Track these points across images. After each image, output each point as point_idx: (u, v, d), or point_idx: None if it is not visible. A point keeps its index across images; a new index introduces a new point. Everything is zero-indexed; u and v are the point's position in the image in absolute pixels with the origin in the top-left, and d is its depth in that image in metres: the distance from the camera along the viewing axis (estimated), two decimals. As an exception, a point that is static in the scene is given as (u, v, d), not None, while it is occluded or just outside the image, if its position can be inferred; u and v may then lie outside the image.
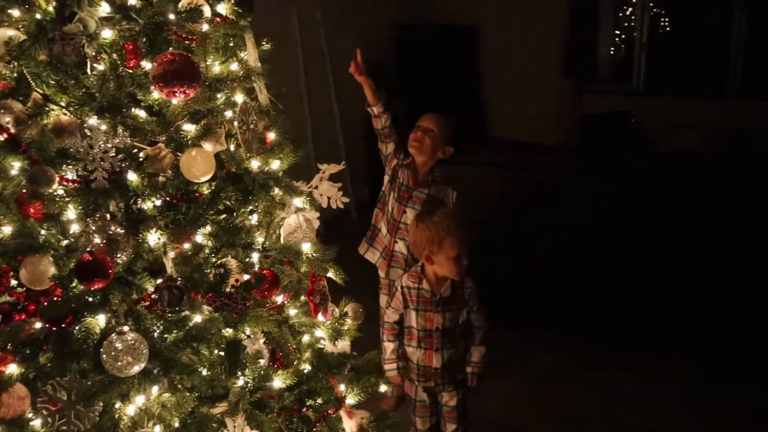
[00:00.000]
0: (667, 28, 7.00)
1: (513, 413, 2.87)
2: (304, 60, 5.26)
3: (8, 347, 1.52)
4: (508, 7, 6.77)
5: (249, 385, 1.60)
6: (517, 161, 3.79)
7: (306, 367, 1.84)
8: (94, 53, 1.50)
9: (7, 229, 1.56)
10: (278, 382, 1.64)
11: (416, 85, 6.16)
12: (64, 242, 1.54)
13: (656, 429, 2.78)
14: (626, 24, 7.02)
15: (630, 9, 6.93)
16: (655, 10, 6.89)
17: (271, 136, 1.79)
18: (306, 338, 1.87)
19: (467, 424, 2.40)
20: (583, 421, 2.82)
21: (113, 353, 1.44)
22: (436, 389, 2.32)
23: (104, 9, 1.49)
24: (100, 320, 1.44)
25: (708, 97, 6.22)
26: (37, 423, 1.57)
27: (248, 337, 1.59)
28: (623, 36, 7.09)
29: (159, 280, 1.48)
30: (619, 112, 6.45)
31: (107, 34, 1.46)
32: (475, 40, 6.95)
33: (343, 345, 2.07)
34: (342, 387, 1.86)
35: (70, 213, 1.51)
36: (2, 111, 1.50)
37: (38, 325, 1.52)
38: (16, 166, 1.54)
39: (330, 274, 1.92)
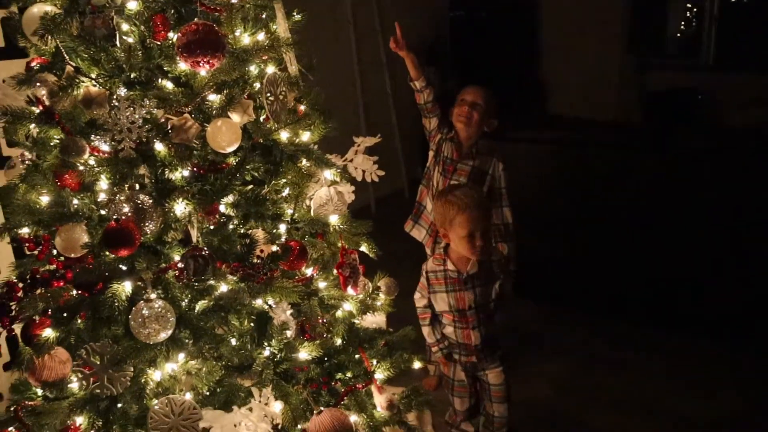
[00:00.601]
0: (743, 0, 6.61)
1: (559, 397, 2.80)
2: (357, 38, 5.24)
3: (48, 312, 1.59)
4: (568, -21, 6.54)
5: (275, 356, 1.61)
6: (571, 139, 3.67)
7: (337, 341, 1.85)
8: (124, 26, 1.53)
9: (45, 199, 1.62)
10: (304, 353, 1.64)
11: (473, 62, 6.04)
12: (101, 212, 1.58)
13: (708, 417, 2.67)
14: (698, -4, 6.68)
15: (704, -20, 6.58)
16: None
17: (303, 107, 1.78)
18: (339, 312, 1.88)
19: (511, 405, 2.34)
20: (632, 407, 2.73)
21: (140, 320, 1.47)
22: (478, 365, 2.27)
23: (133, -19, 1.51)
24: (126, 287, 1.47)
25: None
26: (74, 385, 1.64)
27: (270, 307, 1.59)
28: (694, 9, 6.74)
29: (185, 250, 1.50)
30: (685, 88, 6.16)
31: (133, 5, 1.47)
32: (534, 15, 6.75)
33: (379, 320, 2.07)
34: (374, 362, 1.85)
35: (104, 183, 1.55)
36: (38, 84, 1.55)
37: (75, 291, 1.57)
38: (54, 138, 1.60)
39: (363, 248, 1.91)
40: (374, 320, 2.01)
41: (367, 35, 5.35)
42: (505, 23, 6.49)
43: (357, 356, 1.82)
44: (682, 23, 6.84)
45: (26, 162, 1.73)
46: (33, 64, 1.69)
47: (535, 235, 3.11)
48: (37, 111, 1.54)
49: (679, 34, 6.89)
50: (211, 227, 1.61)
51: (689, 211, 3.21)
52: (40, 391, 1.70)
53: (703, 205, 3.18)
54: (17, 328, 1.60)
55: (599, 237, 3.42)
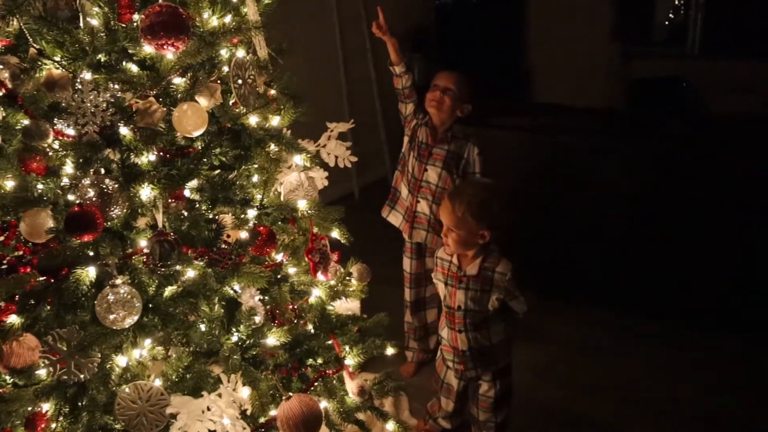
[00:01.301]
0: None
1: (539, 385, 2.81)
2: (341, 25, 5.20)
3: (14, 299, 1.58)
4: (555, -34, 6.52)
5: (243, 341, 1.60)
6: (557, 125, 3.66)
7: (309, 327, 1.84)
8: (89, 7, 1.50)
9: (9, 184, 1.59)
10: (273, 339, 1.63)
11: (458, 50, 6.02)
12: (67, 197, 1.56)
13: (678, 399, 2.69)
14: (685, -16, 6.67)
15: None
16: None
17: (273, 92, 1.76)
18: (312, 299, 1.87)
19: (506, 413, 2.28)
20: (611, 393, 2.75)
21: (106, 305, 1.46)
22: (467, 373, 2.22)
23: (96, -39, 1.48)
24: (90, 272, 1.46)
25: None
26: (42, 372, 1.62)
27: (236, 293, 1.58)
28: (681, -2, 6.74)
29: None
30: (671, 76, 6.17)
31: (96, -14, 1.45)
32: (520, 1, 6.73)
33: (353, 306, 2.06)
34: (346, 348, 1.85)
35: (69, 168, 1.53)
36: (1, 67, 1.52)
37: (42, 278, 1.56)
38: (21, 122, 1.57)
39: (335, 234, 1.91)
40: (348, 306, 2.01)
41: (351, 21, 5.31)
42: (491, 10, 6.47)
43: (328, 342, 1.81)
44: (669, 11, 6.84)
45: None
46: (-4, 46, 1.66)
47: (517, 222, 3.11)
48: (0, 94, 1.52)
49: (666, 22, 6.90)
50: (183, 213, 1.60)
51: (674, 197, 3.22)
52: (8, 378, 1.68)
53: (688, 192, 3.19)
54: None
55: (583, 223, 3.42)
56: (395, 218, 2.79)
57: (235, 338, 1.60)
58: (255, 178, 1.71)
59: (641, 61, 6.55)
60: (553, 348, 3.08)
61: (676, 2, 6.78)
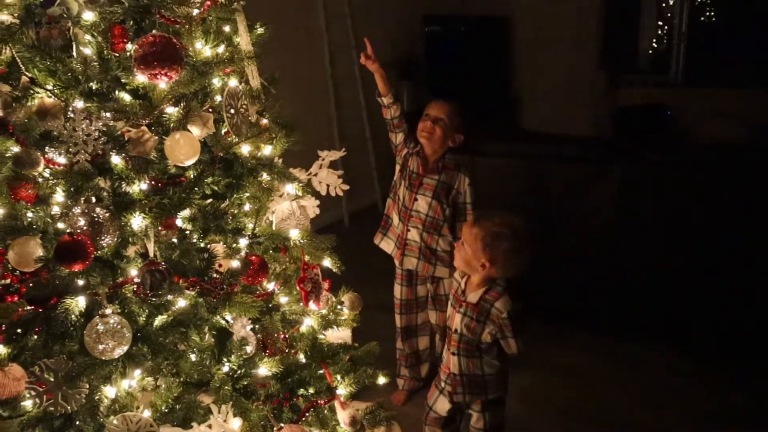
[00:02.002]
0: (712, 18, 6.76)
1: (529, 411, 2.79)
2: (331, 52, 5.25)
3: (0, 328, 1.55)
4: (540, -4, 6.64)
5: (235, 372, 1.58)
6: (543, 153, 3.70)
7: (301, 357, 1.83)
8: (82, 36, 1.51)
9: (-1, 212, 1.58)
10: (264, 369, 1.62)
11: (447, 77, 6.09)
12: (59, 225, 1.55)
13: (677, 427, 2.68)
14: (669, 14, 6.80)
15: (674, -1, 6.70)
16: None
17: (265, 121, 1.77)
18: (304, 328, 1.86)
19: None
20: (602, 419, 2.74)
21: (95, 335, 1.44)
22: (455, 397, 2.18)
23: (91, -8, 1.49)
24: (80, 302, 1.44)
25: (748, 88, 5.97)
26: (27, 403, 1.59)
27: (227, 322, 1.57)
28: (664, 27, 6.87)
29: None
30: (655, 104, 6.27)
31: (89, 16, 1.45)
32: (506, 30, 6.84)
33: (344, 335, 2.05)
34: (337, 377, 1.83)
35: (60, 196, 1.52)
36: (-8, 94, 1.52)
37: (30, 307, 1.54)
38: (11, 149, 1.57)
39: (326, 263, 1.90)
40: (339, 335, 2.00)
41: (340, 49, 5.37)
42: (479, 38, 6.56)
43: (320, 372, 1.80)
44: (653, 40, 6.97)
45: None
46: (-11, 74, 1.66)
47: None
48: (-10, 122, 1.51)
49: (650, 51, 7.03)
50: (172, 240, 1.59)
51: (658, 223, 3.25)
52: (-8, 409, 1.65)
53: (671, 217, 3.22)
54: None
55: (569, 250, 3.44)
56: (387, 245, 2.79)
57: (226, 368, 1.58)
58: (247, 207, 1.71)
59: (626, 89, 6.66)
60: (548, 375, 3.06)
61: (659, 32, 6.92)
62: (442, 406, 2.25)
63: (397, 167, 2.72)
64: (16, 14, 1.51)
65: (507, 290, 2.08)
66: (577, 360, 3.18)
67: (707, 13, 6.74)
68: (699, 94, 6.29)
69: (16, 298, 1.56)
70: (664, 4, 6.82)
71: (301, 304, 1.76)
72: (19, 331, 1.54)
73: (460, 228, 2.63)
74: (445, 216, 2.61)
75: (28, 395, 1.57)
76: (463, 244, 2.08)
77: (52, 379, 1.53)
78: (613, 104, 6.58)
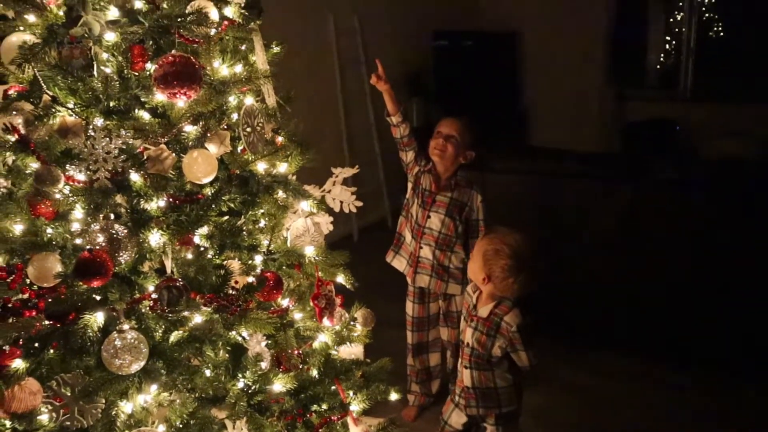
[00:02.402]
0: (720, 33, 6.77)
1: (542, 429, 2.78)
2: (341, 67, 5.29)
3: (19, 342, 1.57)
4: (549, 12, 6.68)
5: (250, 388, 1.59)
6: (550, 169, 3.71)
7: (314, 373, 1.83)
8: (103, 56, 1.53)
9: (18, 227, 1.60)
10: (279, 385, 1.63)
11: (455, 93, 6.12)
12: (77, 241, 1.57)
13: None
14: (676, 29, 6.82)
15: (682, 14, 6.72)
16: (707, 14, 6.68)
17: (280, 139, 1.79)
18: (317, 344, 1.87)
19: None
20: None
21: (112, 351, 1.46)
22: (469, 410, 2.19)
23: (112, 13, 1.52)
24: (98, 317, 1.46)
25: (757, 103, 5.97)
26: (44, 417, 1.61)
27: (243, 339, 1.58)
28: (673, 42, 6.89)
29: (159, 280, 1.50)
30: (663, 119, 6.27)
31: (111, 37, 1.48)
32: (515, 46, 6.88)
33: (356, 350, 2.06)
34: (350, 393, 1.84)
35: (79, 213, 1.54)
36: (14, 112, 1.55)
37: (47, 321, 1.56)
38: (31, 166, 1.59)
39: (340, 279, 1.91)
40: (351, 351, 2.01)
41: (350, 65, 5.41)
42: (488, 54, 6.59)
43: (333, 388, 1.81)
44: (661, 55, 6.99)
45: (0, 188, 1.72)
46: (10, 91, 1.69)
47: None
48: (13, 139, 1.54)
49: (658, 66, 7.04)
50: (189, 257, 1.60)
51: (667, 240, 3.25)
52: (8, 423, 1.66)
53: (680, 234, 3.22)
54: (-14, 358, 1.58)
55: (578, 267, 3.44)
56: (399, 263, 2.80)
57: (240, 384, 1.59)
58: (262, 224, 1.72)
59: (634, 104, 6.67)
60: (558, 392, 3.05)
61: (668, 47, 6.94)
62: (457, 419, 2.26)
63: (409, 185, 2.74)
64: (38, 34, 1.54)
65: (517, 304, 2.10)
66: (587, 378, 3.17)
67: (715, 28, 6.76)
68: (707, 109, 6.29)
69: (34, 313, 1.58)
70: (672, 20, 6.84)
71: (315, 320, 1.77)
72: (36, 345, 1.56)
73: (472, 245, 2.64)
74: (457, 233, 2.62)
75: (44, 409, 1.59)
76: (475, 257, 2.13)
77: (68, 394, 1.54)
78: (621, 119, 6.59)
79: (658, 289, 3.26)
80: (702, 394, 3.01)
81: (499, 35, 6.78)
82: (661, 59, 7.00)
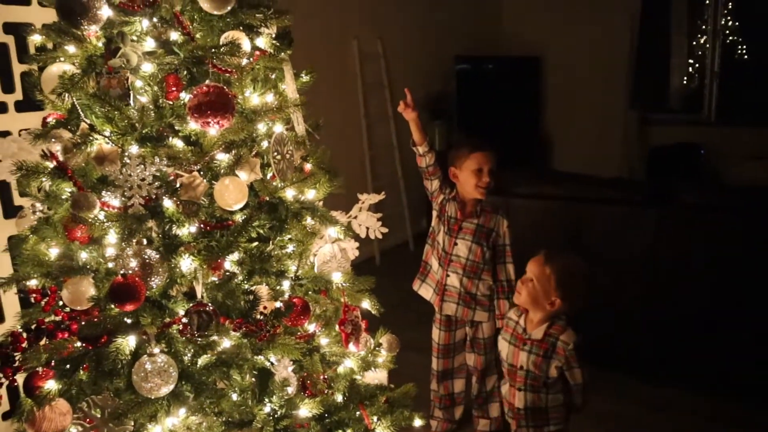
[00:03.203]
0: (744, 56, 6.75)
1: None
2: (364, 91, 5.36)
3: (51, 363, 1.60)
4: (571, 36, 6.72)
5: (275, 412, 1.61)
6: (574, 194, 3.70)
7: (338, 397, 1.84)
8: (138, 85, 1.58)
9: (54, 251, 1.65)
10: (305, 410, 1.64)
11: (478, 117, 6.15)
12: (109, 264, 1.61)
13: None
14: (699, 53, 6.81)
15: (705, 37, 6.71)
16: (731, 38, 6.67)
17: (309, 166, 1.82)
18: (341, 368, 1.88)
19: None
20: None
21: (143, 374, 1.48)
22: (519, 431, 2.22)
23: (149, 44, 1.57)
24: (130, 341, 1.49)
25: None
26: (74, 439, 1.63)
27: (272, 364, 1.60)
28: (696, 65, 6.88)
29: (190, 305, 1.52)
30: (688, 143, 6.24)
31: (148, 67, 1.53)
32: (537, 70, 6.90)
33: (380, 376, 2.06)
34: (374, 419, 1.85)
35: (112, 237, 1.58)
36: (53, 140, 1.60)
37: (79, 343, 1.59)
38: (67, 191, 1.64)
39: (365, 304, 1.93)
40: (375, 376, 2.01)
41: (374, 89, 5.48)
42: (510, 78, 6.63)
43: (357, 413, 1.81)
44: (685, 79, 6.97)
45: (37, 213, 1.76)
46: (49, 119, 1.74)
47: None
48: (51, 165, 1.59)
49: (681, 90, 7.02)
50: (218, 282, 1.63)
51: (694, 266, 3.21)
52: (39, 444, 1.69)
53: (708, 261, 3.19)
54: (19, 378, 1.61)
55: (604, 293, 3.40)
56: (426, 291, 2.79)
57: (267, 409, 1.60)
58: (290, 249, 1.75)
59: (658, 128, 6.64)
60: (589, 421, 3.01)
61: (691, 69, 6.92)
62: None
63: (434, 213, 2.73)
64: (78, 64, 1.59)
65: (570, 323, 2.13)
66: (616, 406, 3.13)
67: (739, 51, 6.74)
68: (732, 133, 6.26)
69: (66, 335, 1.61)
70: (694, 43, 6.84)
71: (341, 345, 1.79)
72: (68, 366, 1.59)
73: (500, 270, 2.66)
74: (485, 259, 2.62)
75: (74, 431, 1.61)
76: (532, 281, 2.12)
77: (98, 416, 1.57)
78: (644, 143, 6.56)
79: (686, 316, 3.22)
80: (734, 425, 2.95)
81: (522, 59, 6.82)
82: (684, 82, 6.99)
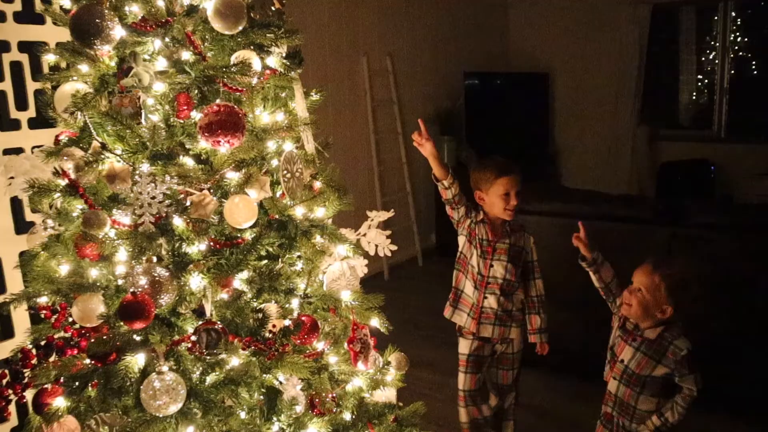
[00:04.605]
0: (754, 72, 6.74)
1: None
2: (373, 107, 5.38)
3: (60, 380, 1.61)
4: (580, 52, 6.73)
5: (284, 430, 1.60)
6: (586, 211, 3.68)
7: (346, 416, 1.83)
8: (150, 104, 1.60)
9: (64, 269, 1.65)
10: (313, 429, 1.63)
11: (487, 132, 6.16)
12: (119, 282, 1.61)
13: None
14: (708, 68, 6.81)
15: (714, 53, 6.71)
16: (741, 53, 6.66)
17: (318, 184, 1.82)
18: (350, 387, 1.87)
19: None
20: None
21: (151, 392, 1.48)
22: (617, 420, 2.22)
23: (161, 64, 1.58)
24: (139, 359, 1.49)
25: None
26: (82, 457, 1.63)
27: (280, 383, 1.59)
28: (705, 81, 6.88)
29: (199, 323, 1.53)
30: (698, 160, 6.21)
31: (160, 86, 1.54)
32: (546, 86, 6.91)
33: (388, 394, 2.05)
34: (383, 438, 1.83)
35: (122, 255, 1.59)
36: (65, 157, 1.61)
37: (88, 360, 1.59)
38: (77, 208, 1.65)
39: (374, 322, 1.92)
40: (384, 394, 2.00)
41: (383, 105, 5.51)
42: (519, 94, 6.64)
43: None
44: (694, 95, 6.97)
45: (48, 229, 1.78)
46: (61, 136, 1.76)
47: (551, 310, 3.11)
48: (63, 183, 1.60)
49: (690, 106, 7.01)
50: (225, 300, 1.63)
51: (705, 284, 3.18)
52: (46, 461, 1.69)
53: (719, 279, 3.16)
54: (28, 394, 1.62)
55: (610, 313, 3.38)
56: (459, 318, 2.74)
57: (275, 427, 1.60)
58: (299, 267, 1.75)
59: (668, 144, 6.62)
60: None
61: (700, 85, 6.91)
62: None
63: (461, 239, 2.69)
64: (91, 83, 1.61)
65: (684, 330, 2.13)
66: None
67: (749, 67, 6.73)
68: (742, 150, 6.23)
69: (76, 352, 1.62)
70: (704, 59, 6.84)
71: (350, 363, 1.78)
72: (77, 384, 1.59)
73: (530, 287, 2.69)
74: (518, 278, 2.64)
75: (82, 448, 1.61)
76: (640, 291, 2.11)
77: (107, 434, 1.57)
78: (654, 160, 6.55)
79: (697, 335, 3.18)
80: None
81: (530, 75, 6.84)
82: (694, 98, 6.98)
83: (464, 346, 2.75)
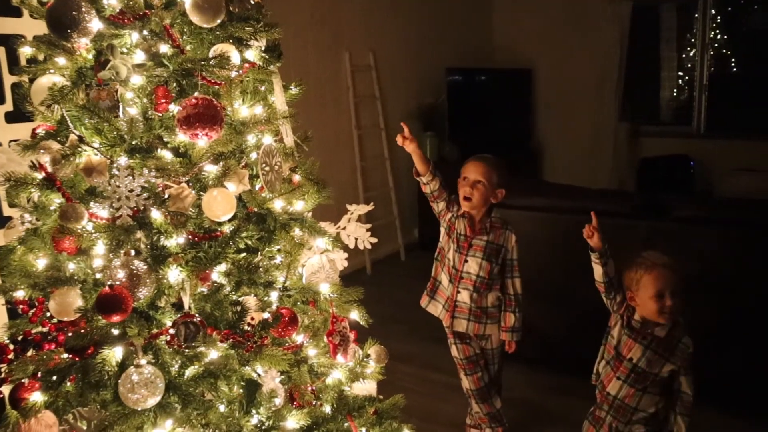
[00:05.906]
0: (733, 69, 6.83)
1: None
2: (356, 103, 5.38)
3: (37, 375, 1.60)
4: (562, 49, 6.77)
5: (263, 423, 1.61)
6: (562, 205, 3.71)
7: (326, 409, 1.84)
8: (128, 97, 1.59)
9: (42, 262, 1.65)
10: (292, 422, 1.64)
11: (469, 128, 6.18)
12: (97, 275, 1.61)
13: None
14: (689, 65, 6.89)
15: (694, 50, 6.79)
16: (722, 51, 6.74)
17: (297, 177, 1.83)
18: (329, 380, 1.88)
19: None
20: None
21: (129, 385, 1.48)
22: (615, 425, 2.21)
23: (138, 57, 1.58)
24: (117, 352, 1.49)
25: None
26: (59, 451, 1.62)
27: (259, 375, 1.60)
28: (686, 77, 6.95)
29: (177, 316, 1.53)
30: (677, 155, 6.29)
31: (137, 79, 1.54)
32: (529, 82, 6.95)
33: (368, 387, 2.06)
34: (363, 430, 1.85)
35: (100, 248, 1.58)
36: (42, 151, 1.60)
37: (65, 355, 1.59)
38: (55, 202, 1.64)
39: (354, 315, 1.93)
40: (364, 387, 2.01)
41: (365, 101, 5.51)
42: (501, 90, 6.67)
43: (346, 425, 1.81)
44: (674, 91, 7.04)
45: (26, 223, 1.76)
46: (38, 130, 1.75)
47: (531, 303, 3.13)
48: (40, 177, 1.59)
49: (671, 102, 7.09)
50: (204, 293, 1.63)
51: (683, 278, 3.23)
52: (24, 456, 1.68)
53: (698, 274, 3.20)
54: (5, 389, 1.61)
55: (594, 306, 3.41)
56: (435, 308, 2.76)
57: (254, 420, 1.60)
58: (278, 260, 1.75)
59: (648, 140, 6.69)
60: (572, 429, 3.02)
61: (680, 82, 6.99)
62: None
63: (442, 231, 2.70)
64: (68, 76, 1.60)
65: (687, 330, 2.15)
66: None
67: (728, 64, 6.82)
68: (721, 145, 6.31)
69: (53, 346, 1.61)
70: (684, 55, 6.91)
71: (329, 356, 1.79)
72: (54, 378, 1.59)
73: (508, 285, 2.65)
74: (493, 275, 2.61)
75: (60, 443, 1.61)
76: (639, 303, 2.15)
77: (84, 428, 1.56)
78: (635, 155, 6.61)
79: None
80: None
81: (513, 71, 6.87)
82: (674, 95, 7.06)
83: (454, 350, 2.76)
